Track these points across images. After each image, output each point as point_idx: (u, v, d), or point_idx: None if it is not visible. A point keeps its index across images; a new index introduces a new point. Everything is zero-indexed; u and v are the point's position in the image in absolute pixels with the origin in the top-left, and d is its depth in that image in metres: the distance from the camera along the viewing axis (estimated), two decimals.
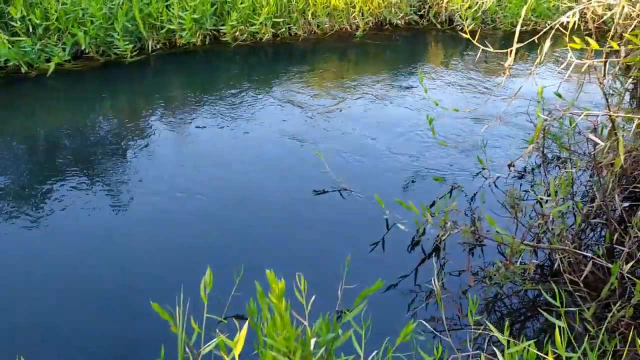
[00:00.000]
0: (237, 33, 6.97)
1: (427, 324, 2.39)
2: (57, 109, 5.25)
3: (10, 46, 5.50)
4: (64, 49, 5.75)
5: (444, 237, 3.12)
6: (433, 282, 2.33)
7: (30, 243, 3.29)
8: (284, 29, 7.35)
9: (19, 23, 5.64)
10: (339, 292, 2.02)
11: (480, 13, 7.61)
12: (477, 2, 6.27)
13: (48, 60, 5.70)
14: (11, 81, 5.52)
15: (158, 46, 6.47)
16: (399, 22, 8.23)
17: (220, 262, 3.01)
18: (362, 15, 7.95)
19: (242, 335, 1.46)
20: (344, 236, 3.38)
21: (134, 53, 6.18)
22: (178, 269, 3.06)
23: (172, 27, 6.42)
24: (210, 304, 1.82)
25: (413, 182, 4.02)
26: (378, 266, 3.10)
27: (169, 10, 6.40)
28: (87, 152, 4.41)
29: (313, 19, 7.59)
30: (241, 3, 6.84)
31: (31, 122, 4.92)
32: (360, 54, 7.42)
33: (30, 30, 5.76)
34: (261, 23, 7.03)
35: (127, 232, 3.41)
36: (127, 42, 6.05)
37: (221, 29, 6.89)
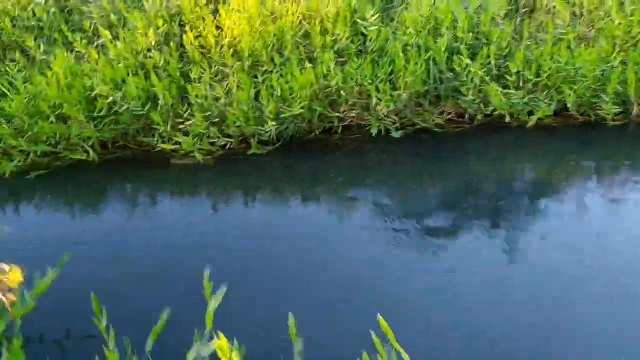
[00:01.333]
0: None
1: None
2: (526, 159, 5.65)
3: (503, 97, 6.17)
4: (548, 105, 6.07)
5: None
6: None
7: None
8: None
9: (513, 77, 6.25)
10: None
11: None
12: None
13: (530, 113, 6.13)
14: (494, 128, 6.21)
15: None
16: None
17: None
18: None
19: None
20: None
21: (617, 116, 5.99)
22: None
23: None
24: None
25: None
26: None
27: None
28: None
29: None
30: None
31: (503, 167, 5.47)
32: None
33: (521, 84, 6.30)
34: None
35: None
36: (613, 105, 5.92)
37: None
